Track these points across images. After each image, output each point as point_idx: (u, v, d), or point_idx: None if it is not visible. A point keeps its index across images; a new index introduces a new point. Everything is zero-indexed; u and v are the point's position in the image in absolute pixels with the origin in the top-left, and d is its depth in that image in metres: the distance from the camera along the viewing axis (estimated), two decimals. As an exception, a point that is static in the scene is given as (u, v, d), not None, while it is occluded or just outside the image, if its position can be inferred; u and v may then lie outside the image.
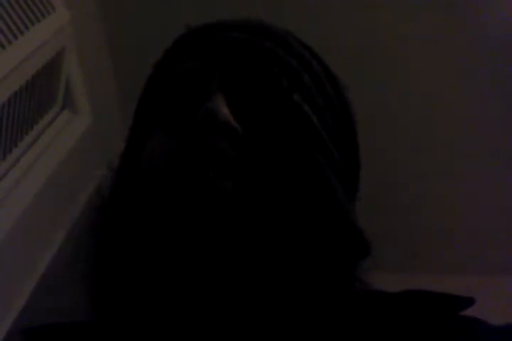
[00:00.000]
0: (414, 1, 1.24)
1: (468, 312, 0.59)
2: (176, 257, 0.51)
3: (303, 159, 0.54)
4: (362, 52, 1.27)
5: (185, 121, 0.53)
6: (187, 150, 0.51)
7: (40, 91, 0.93)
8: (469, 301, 0.59)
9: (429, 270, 1.36)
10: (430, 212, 1.43)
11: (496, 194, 1.39)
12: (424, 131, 1.35)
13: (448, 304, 0.59)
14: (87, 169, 1.04)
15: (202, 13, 0.62)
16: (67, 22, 0.96)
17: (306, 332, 0.53)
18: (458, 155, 1.38)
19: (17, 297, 0.84)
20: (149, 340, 0.54)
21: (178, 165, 0.51)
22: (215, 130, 0.51)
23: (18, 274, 0.86)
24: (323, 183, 0.55)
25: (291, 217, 0.52)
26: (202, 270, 0.51)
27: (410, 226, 1.43)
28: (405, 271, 1.25)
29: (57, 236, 0.94)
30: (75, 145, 1.04)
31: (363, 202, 0.63)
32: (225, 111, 0.52)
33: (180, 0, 1.24)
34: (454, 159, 1.38)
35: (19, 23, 0.84)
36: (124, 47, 1.28)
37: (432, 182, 1.40)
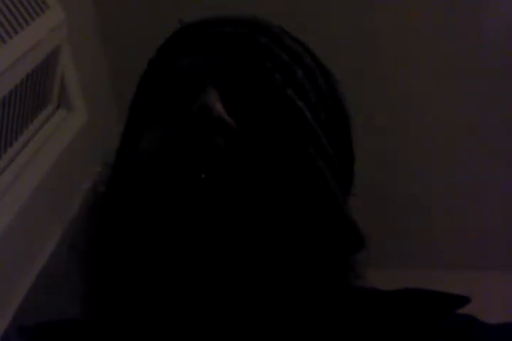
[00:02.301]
0: (415, 1, 1.24)
1: (466, 310, 0.59)
2: (173, 253, 0.51)
3: (296, 153, 0.54)
4: (361, 52, 1.27)
5: (179, 117, 0.53)
6: (182, 145, 0.51)
7: (35, 90, 0.92)
8: (465, 300, 0.59)
9: (427, 266, 1.36)
10: (429, 209, 1.43)
11: (496, 194, 1.39)
12: (423, 130, 1.35)
13: (443, 302, 0.59)
14: (83, 167, 1.04)
15: (198, 13, 0.62)
16: (62, 20, 0.96)
17: (301, 327, 0.53)
18: (458, 155, 1.38)
19: (14, 295, 0.84)
20: (147, 338, 0.54)
21: (173, 160, 0.52)
22: (209, 125, 0.51)
23: (15, 272, 0.86)
24: (318, 177, 0.55)
25: (285, 211, 0.53)
26: (198, 266, 0.51)
27: (408, 222, 1.43)
28: (402, 267, 1.25)
29: (54, 233, 0.94)
30: (71, 143, 1.03)
31: (363, 199, 0.63)
32: (218, 106, 0.52)
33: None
34: (453, 159, 1.38)
35: (14, 22, 0.84)
36: (119, 45, 1.28)
37: (432, 181, 1.40)
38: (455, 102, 1.31)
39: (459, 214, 1.42)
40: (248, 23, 0.59)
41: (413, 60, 1.29)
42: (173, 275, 0.51)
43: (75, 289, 0.56)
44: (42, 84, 0.95)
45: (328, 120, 0.58)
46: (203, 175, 0.50)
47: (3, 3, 0.82)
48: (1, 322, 0.79)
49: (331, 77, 0.61)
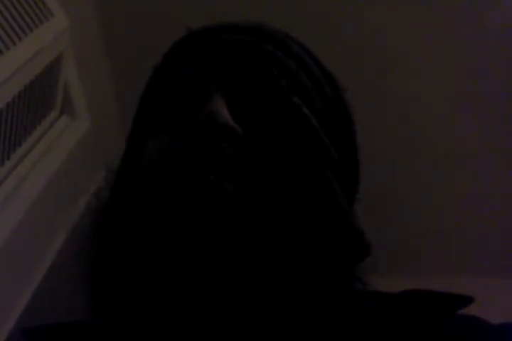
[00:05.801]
0: (415, 1, 1.24)
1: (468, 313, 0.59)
2: (177, 258, 0.51)
3: (303, 160, 0.54)
4: (361, 53, 1.27)
5: (185, 124, 0.54)
6: (188, 152, 0.52)
7: (39, 97, 0.93)
8: (468, 300, 0.59)
9: (428, 271, 1.36)
10: (429, 213, 1.43)
11: (496, 194, 1.39)
12: (423, 131, 1.35)
13: (447, 302, 0.59)
14: (86, 173, 1.04)
15: (201, 21, 0.63)
16: (66, 27, 0.97)
17: (305, 333, 0.53)
18: (458, 155, 1.38)
19: (19, 298, 0.84)
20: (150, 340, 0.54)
21: (179, 166, 0.52)
22: (216, 132, 0.51)
23: (20, 275, 0.86)
24: (324, 185, 0.55)
25: (291, 219, 0.53)
26: (202, 272, 0.51)
27: (408, 227, 1.43)
28: (403, 273, 1.24)
29: (58, 237, 0.95)
30: (74, 149, 1.04)
31: (362, 202, 0.63)
32: (224, 113, 0.52)
33: (180, 6, 1.24)
34: (454, 159, 1.38)
35: (17, 29, 0.84)
36: (123, 52, 1.29)
37: (432, 182, 1.40)
38: (455, 102, 1.32)
39: (458, 217, 1.42)
40: (254, 29, 0.59)
41: (413, 61, 1.29)
42: (178, 279, 0.51)
43: (79, 292, 0.56)
44: (45, 91, 0.95)
45: (333, 127, 0.58)
46: (212, 178, 0.50)
47: (7, 10, 0.83)
48: (5, 324, 0.79)
49: (336, 84, 0.61)
